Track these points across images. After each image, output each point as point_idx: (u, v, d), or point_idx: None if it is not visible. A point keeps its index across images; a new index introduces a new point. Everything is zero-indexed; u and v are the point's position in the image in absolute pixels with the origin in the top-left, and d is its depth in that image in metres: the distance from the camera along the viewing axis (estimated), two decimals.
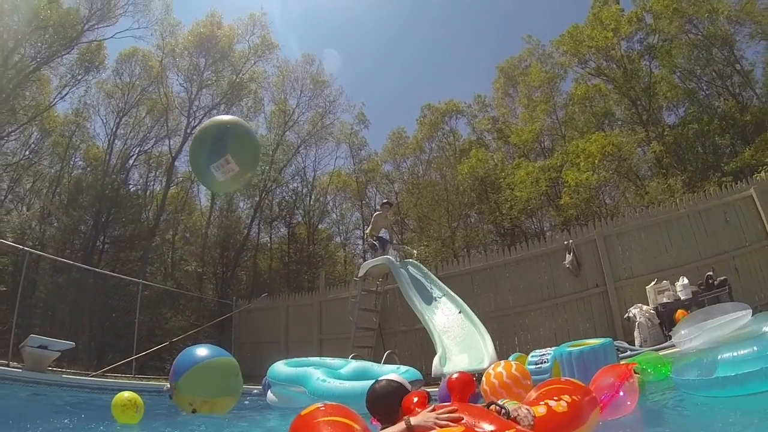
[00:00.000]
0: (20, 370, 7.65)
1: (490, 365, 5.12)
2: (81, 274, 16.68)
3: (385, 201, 14.16)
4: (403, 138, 27.74)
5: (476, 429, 1.82)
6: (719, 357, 3.57)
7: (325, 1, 37.65)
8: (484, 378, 4.40)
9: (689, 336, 4.10)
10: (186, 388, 5.18)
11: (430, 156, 26.58)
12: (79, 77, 21.52)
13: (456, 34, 38.92)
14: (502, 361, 4.59)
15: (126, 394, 4.58)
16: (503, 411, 2.31)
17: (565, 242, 10.66)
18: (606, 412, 3.43)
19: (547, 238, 12.12)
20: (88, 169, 22.84)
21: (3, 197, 20.52)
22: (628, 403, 3.55)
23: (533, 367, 5.51)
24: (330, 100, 26.14)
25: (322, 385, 6.02)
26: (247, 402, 6.63)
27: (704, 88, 20.22)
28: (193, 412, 5.10)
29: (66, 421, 4.62)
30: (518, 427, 1.98)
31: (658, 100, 20.52)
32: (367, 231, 12.65)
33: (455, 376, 2.95)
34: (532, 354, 5.95)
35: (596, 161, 18.04)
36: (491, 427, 1.85)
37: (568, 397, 2.63)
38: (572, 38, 21.59)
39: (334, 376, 6.49)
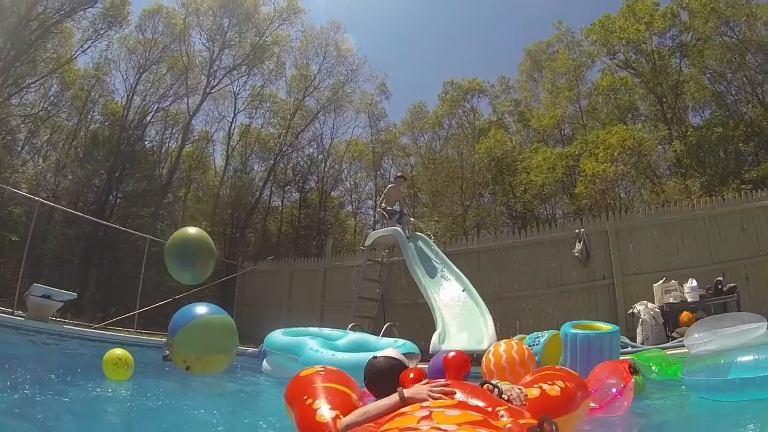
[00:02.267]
0: (23, 319, 7.79)
1: (489, 346, 5.11)
2: (92, 227, 16.88)
3: (399, 174, 14.04)
4: (423, 112, 27.54)
5: (469, 404, 1.81)
6: (737, 359, 3.50)
7: None
8: (493, 357, 4.33)
9: (702, 339, 4.03)
10: (181, 344, 5.22)
11: (448, 132, 26.44)
12: (102, 32, 21.47)
13: (485, 13, 38.11)
14: (514, 342, 4.51)
15: (118, 351, 4.59)
16: (496, 390, 2.34)
17: (577, 231, 10.55)
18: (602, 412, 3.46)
19: (559, 225, 11.93)
20: (106, 123, 22.85)
21: (20, 148, 20.70)
22: (624, 404, 3.56)
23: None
24: (352, 68, 25.90)
25: (315, 355, 5.99)
26: (237, 365, 6.67)
27: (733, 92, 19.71)
28: (187, 369, 5.14)
29: (52, 375, 4.66)
30: (509, 405, 1.97)
31: (685, 99, 20.11)
32: (379, 202, 12.60)
33: (452, 354, 2.95)
34: (529, 336, 5.93)
35: (615, 153, 17.71)
36: (483, 403, 1.85)
37: (561, 383, 2.64)
38: (603, 28, 21.00)
39: (331, 347, 6.46)
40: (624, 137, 17.97)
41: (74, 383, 4.41)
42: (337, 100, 25.89)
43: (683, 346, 6.68)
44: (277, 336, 6.87)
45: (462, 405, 1.73)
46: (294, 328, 7.40)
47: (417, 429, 1.34)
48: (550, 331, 5.99)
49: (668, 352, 5.82)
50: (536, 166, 20.31)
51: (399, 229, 11.11)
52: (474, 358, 5.93)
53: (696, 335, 4.11)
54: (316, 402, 2.35)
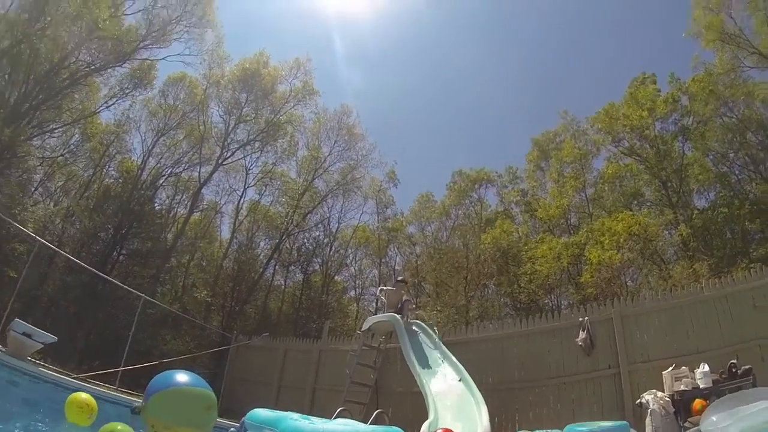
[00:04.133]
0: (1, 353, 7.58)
1: None
2: (90, 278, 16.69)
3: (400, 278, 13.90)
4: (430, 202, 27.90)
5: None
6: None
7: (370, 57, 38.77)
8: None
9: (721, 423, 3.71)
10: (152, 409, 4.94)
11: (455, 222, 26.52)
12: (127, 91, 22.42)
13: (493, 102, 39.87)
14: None
15: (83, 395, 4.37)
16: None
17: (580, 319, 10.18)
18: None
19: (562, 314, 11.59)
20: (120, 180, 23.34)
21: (33, 188, 21.01)
22: None
23: None
24: (362, 153, 26.58)
25: (294, 424, 5.63)
26: None
27: (737, 172, 20.03)
28: None
29: (11, 406, 4.38)
30: None
31: (689, 182, 20.32)
32: (378, 295, 12.48)
33: (439, 430, 2.72)
34: None
35: (621, 240, 17.64)
36: None
37: None
38: (608, 116, 21.61)
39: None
40: (630, 223, 17.90)
41: (31, 419, 4.10)
42: (345, 184, 26.41)
43: None
44: (260, 411, 6.55)
45: None
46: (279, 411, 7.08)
47: None
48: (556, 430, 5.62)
49: None
50: (541, 256, 20.18)
51: (397, 315, 10.91)
52: None
53: (714, 418, 3.81)
54: None
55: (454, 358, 9.62)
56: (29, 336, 7.88)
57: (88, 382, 9.39)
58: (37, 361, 9.06)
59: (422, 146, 40.40)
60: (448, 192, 27.08)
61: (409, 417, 10.05)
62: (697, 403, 7.55)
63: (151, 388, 4.92)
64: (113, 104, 22.52)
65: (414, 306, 12.43)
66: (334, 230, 27.03)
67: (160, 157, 23.53)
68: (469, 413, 8.10)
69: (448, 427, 6.91)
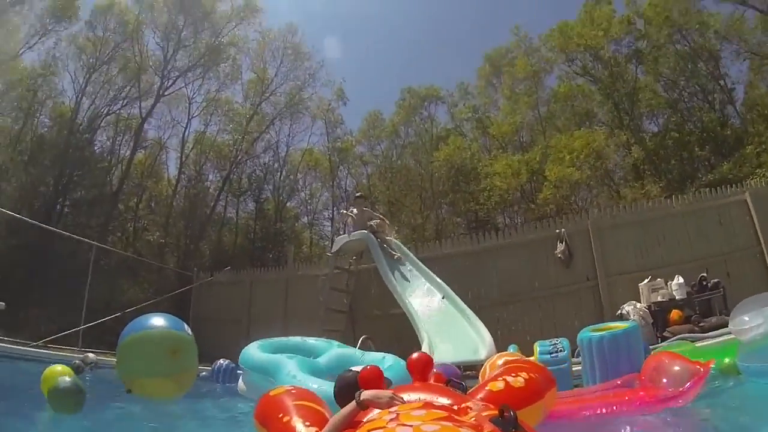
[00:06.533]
0: None
1: (488, 356, 4.74)
2: (36, 235, 15.57)
3: (358, 195, 13.32)
4: (378, 120, 27.17)
5: (435, 403, 1.87)
6: None
7: None
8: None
9: (752, 322, 3.90)
10: (118, 363, 4.69)
11: (405, 141, 26.13)
12: (50, 27, 20.26)
13: (442, 17, 38.17)
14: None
15: (58, 368, 4.06)
16: (461, 386, 2.56)
17: (557, 231, 10.36)
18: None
19: (538, 226, 11.56)
20: (54, 127, 21.42)
21: None
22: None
23: (548, 356, 5.14)
24: (309, 73, 25.33)
25: (292, 382, 5.14)
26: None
27: (686, 99, 20.48)
28: (128, 392, 4.48)
29: None
30: (475, 399, 2.12)
31: (640, 106, 20.67)
32: (342, 220, 12.07)
33: (414, 355, 2.78)
34: (540, 344, 5.58)
35: (581, 157, 18.09)
36: (449, 401, 1.95)
37: (525, 374, 2.75)
38: (561, 34, 21.41)
39: (311, 367, 5.59)
40: (587, 141, 18.38)
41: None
42: (293, 105, 25.35)
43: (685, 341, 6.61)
44: (253, 351, 5.98)
45: (428, 405, 1.78)
46: (272, 339, 6.48)
47: (384, 428, 1.43)
48: (560, 338, 5.71)
49: (700, 344, 6.00)
50: (500, 172, 20.39)
51: (368, 233, 10.38)
52: (476, 369, 5.50)
53: (745, 318, 3.98)
54: (293, 419, 2.39)
55: (435, 276, 9.45)
56: None
57: (49, 348, 8.84)
58: None
59: (369, 63, 38.71)
60: (397, 110, 26.44)
61: (389, 340, 9.88)
62: (674, 313, 8.03)
63: (118, 344, 4.61)
64: (36, 44, 20.39)
65: (387, 222, 11.57)
66: (283, 154, 26.21)
67: (94, 96, 21.51)
68: (461, 332, 8.05)
69: (446, 358, 6.86)
